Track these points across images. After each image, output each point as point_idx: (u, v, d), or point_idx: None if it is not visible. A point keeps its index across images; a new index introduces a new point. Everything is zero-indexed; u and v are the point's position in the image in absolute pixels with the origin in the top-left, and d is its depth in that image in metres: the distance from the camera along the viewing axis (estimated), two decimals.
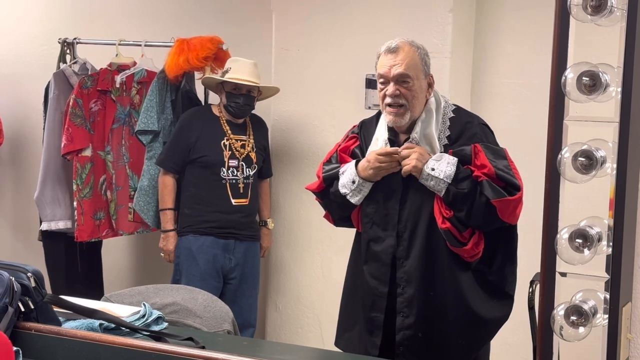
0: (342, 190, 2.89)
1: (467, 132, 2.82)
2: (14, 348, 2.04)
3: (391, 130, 2.86)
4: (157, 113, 4.12)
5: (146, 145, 4.16)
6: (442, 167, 2.72)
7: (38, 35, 4.92)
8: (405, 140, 2.83)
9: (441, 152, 2.78)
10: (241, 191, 3.95)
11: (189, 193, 3.97)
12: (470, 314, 2.79)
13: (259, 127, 4.08)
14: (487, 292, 2.83)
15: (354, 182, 2.86)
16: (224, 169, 3.91)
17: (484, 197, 2.68)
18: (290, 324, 4.23)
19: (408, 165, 2.76)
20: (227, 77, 3.89)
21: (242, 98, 3.92)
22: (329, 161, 3.02)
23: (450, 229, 2.74)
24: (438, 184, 2.72)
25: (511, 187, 2.70)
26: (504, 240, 2.83)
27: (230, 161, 3.93)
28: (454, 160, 2.73)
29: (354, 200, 2.88)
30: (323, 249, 4.08)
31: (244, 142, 3.97)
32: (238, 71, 3.90)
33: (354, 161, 2.90)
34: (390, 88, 2.77)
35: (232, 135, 3.96)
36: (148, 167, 4.15)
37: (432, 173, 2.72)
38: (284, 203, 4.21)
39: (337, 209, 3.00)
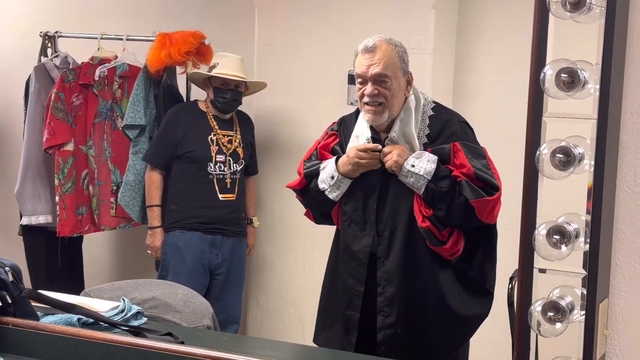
0: (321, 185, 2.89)
1: (446, 130, 2.82)
2: None
3: (372, 128, 2.86)
4: (144, 107, 4.11)
5: (133, 139, 4.14)
6: (422, 164, 2.72)
7: (19, 28, 4.90)
8: (385, 139, 2.83)
9: (421, 151, 2.78)
10: (228, 187, 3.94)
11: (176, 189, 3.96)
12: (450, 311, 2.80)
13: (246, 124, 4.08)
14: (467, 289, 2.84)
15: (332, 177, 2.86)
16: (211, 164, 3.90)
17: (463, 197, 2.69)
18: (271, 320, 4.23)
19: (389, 160, 2.75)
20: (214, 72, 3.88)
21: (230, 93, 3.92)
22: (309, 159, 3.01)
23: (430, 227, 2.74)
24: (418, 181, 2.72)
25: (490, 187, 2.70)
26: (484, 237, 2.84)
27: (217, 156, 3.92)
28: (434, 158, 2.74)
29: (332, 196, 2.88)
30: (305, 244, 4.08)
31: (230, 138, 3.97)
32: (225, 66, 3.89)
33: (334, 157, 2.90)
34: (369, 88, 2.77)
35: (219, 131, 3.95)
36: (134, 162, 4.13)
37: (412, 169, 2.72)
38: (265, 199, 4.21)
39: (317, 205, 3.00)
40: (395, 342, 2.81)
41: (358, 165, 2.81)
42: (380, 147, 2.79)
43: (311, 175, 2.96)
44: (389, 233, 2.81)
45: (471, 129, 2.88)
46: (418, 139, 2.79)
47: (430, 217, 2.73)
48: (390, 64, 2.76)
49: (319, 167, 2.93)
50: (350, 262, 2.88)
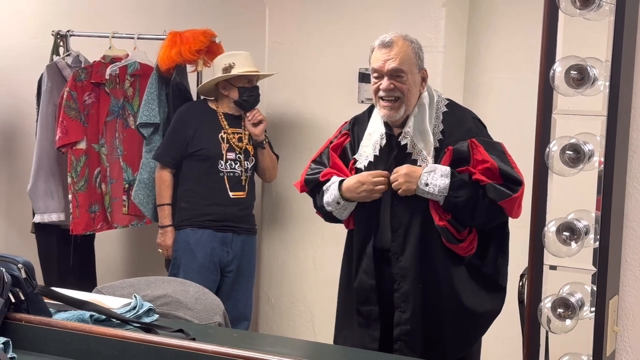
0: (328, 208, 2.90)
1: (460, 126, 2.83)
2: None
3: (386, 124, 2.87)
4: (158, 106, 4.12)
5: (147, 138, 4.15)
6: (435, 181, 2.72)
7: (31, 27, 4.92)
8: (399, 135, 2.84)
9: (436, 147, 2.79)
10: (239, 184, 3.95)
11: (186, 187, 3.97)
12: (463, 308, 2.81)
13: None
14: (480, 285, 2.84)
15: (338, 203, 2.87)
16: (222, 162, 3.91)
17: (488, 199, 2.70)
18: (282, 317, 4.24)
19: (400, 189, 2.76)
20: (240, 72, 3.87)
21: (254, 90, 3.95)
22: (319, 157, 3.02)
23: (447, 226, 2.75)
24: (434, 197, 2.74)
25: (511, 182, 2.71)
26: (497, 233, 2.85)
27: (228, 154, 3.93)
28: (446, 170, 2.73)
29: (341, 217, 2.91)
30: (315, 242, 4.09)
31: (240, 135, 3.98)
32: (243, 65, 3.90)
33: (337, 181, 2.88)
34: (385, 82, 2.78)
35: (229, 129, 3.96)
36: (147, 160, 4.14)
37: (426, 189, 2.73)
38: (276, 196, 4.21)
39: (324, 215, 3.01)
40: (410, 337, 2.82)
41: (372, 192, 2.80)
42: (388, 173, 2.80)
43: (311, 183, 2.98)
44: (404, 230, 2.81)
45: (484, 125, 2.89)
46: (433, 136, 2.80)
47: (449, 218, 2.75)
48: (406, 60, 2.78)
49: (319, 177, 2.93)
50: (366, 258, 2.88)
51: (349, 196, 2.84)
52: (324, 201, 2.91)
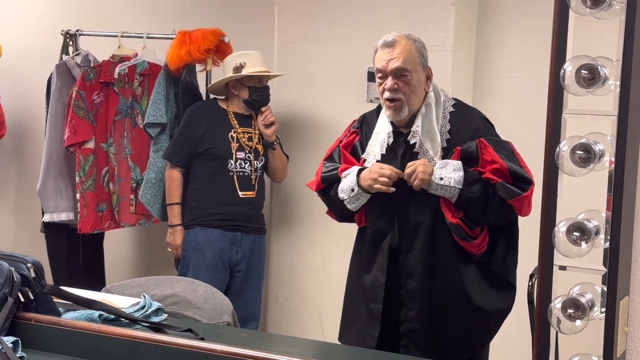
0: (341, 195, 2.89)
1: (468, 126, 2.83)
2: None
3: (393, 123, 2.87)
4: (165, 105, 4.12)
5: (154, 137, 4.16)
6: (449, 174, 2.72)
7: (40, 27, 4.93)
8: (407, 134, 2.83)
9: (444, 147, 2.78)
10: (248, 184, 3.95)
11: (196, 186, 3.98)
12: (473, 306, 2.81)
13: None
14: (490, 283, 2.84)
15: (353, 190, 2.86)
16: (231, 161, 3.91)
17: (498, 197, 2.69)
18: (291, 317, 4.24)
19: (416, 180, 2.74)
20: (250, 72, 3.88)
21: (265, 89, 3.95)
22: (330, 157, 3.02)
23: (460, 224, 2.74)
24: (449, 191, 2.73)
25: (521, 181, 2.71)
26: (506, 231, 2.85)
27: (237, 153, 3.93)
28: (458, 164, 2.74)
29: (351, 207, 2.89)
30: (324, 242, 4.08)
31: (250, 135, 3.98)
32: (254, 64, 3.90)
33: (357, 168, 2.88)
34: (389, 82, 2.78)
35: (239, 128, 3.96)
36: (154, 160, 4.15)
37: (442, 182, 2.72)
38: (285, 196, 4.21)
39: (337, 209, 3.00)
40: (416, 335, 2.82)
41: (375, 181, 2.79)
42: (402, 173, 2.78)
43: (328, 180, 2.96)
44: (412, 228, 2.81)
45: (491, 124, 2.89)
46: (440, 135, 2.80)
47: (462, 216, 2.74)
48: (409, 58, 2.78)
49: (337, 171, 2.93)
50: (380, 256, 2.87)
51: (361, 184, 2.83)
52: (339, 188, 2.90)
